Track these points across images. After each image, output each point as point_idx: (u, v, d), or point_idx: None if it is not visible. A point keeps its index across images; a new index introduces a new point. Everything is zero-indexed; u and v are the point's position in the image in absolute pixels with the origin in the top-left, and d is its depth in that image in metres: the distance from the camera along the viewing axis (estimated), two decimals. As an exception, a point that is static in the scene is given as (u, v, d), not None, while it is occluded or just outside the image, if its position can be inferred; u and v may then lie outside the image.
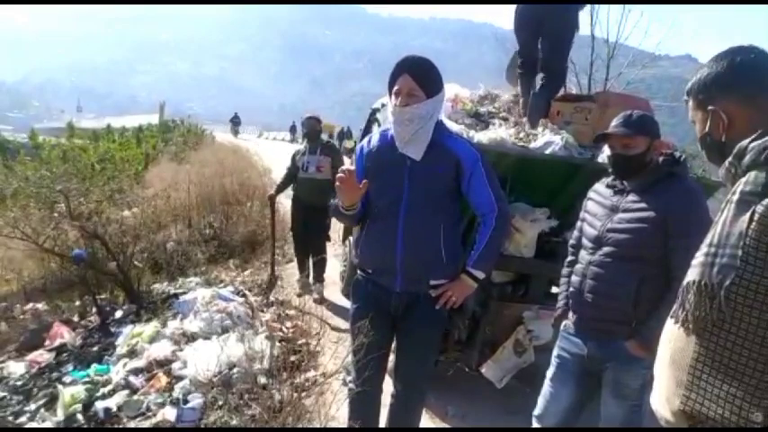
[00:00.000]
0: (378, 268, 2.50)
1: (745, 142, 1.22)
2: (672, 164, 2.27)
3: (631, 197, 2.25)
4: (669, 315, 1.32)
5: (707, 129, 1.34)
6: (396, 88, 2.32)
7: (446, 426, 3.53)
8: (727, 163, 1.26)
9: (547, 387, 2.46)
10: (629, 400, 2.17)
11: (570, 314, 2.40)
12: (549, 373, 2.47)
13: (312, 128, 5.70)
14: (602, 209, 2.32)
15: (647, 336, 2.00)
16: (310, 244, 5.77)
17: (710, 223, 1.31)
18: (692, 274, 1.24)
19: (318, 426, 2.94)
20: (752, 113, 1.28)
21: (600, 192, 2.39)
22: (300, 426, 2.96)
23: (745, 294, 1.14)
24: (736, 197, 1.19)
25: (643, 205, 2.19)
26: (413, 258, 2.38)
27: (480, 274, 2.44)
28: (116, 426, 3.42)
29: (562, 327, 2.46)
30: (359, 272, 2.62)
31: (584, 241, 2.36)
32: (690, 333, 1.24)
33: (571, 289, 2.40)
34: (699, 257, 1.24)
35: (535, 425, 2.50)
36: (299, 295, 5.75)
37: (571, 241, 2.55)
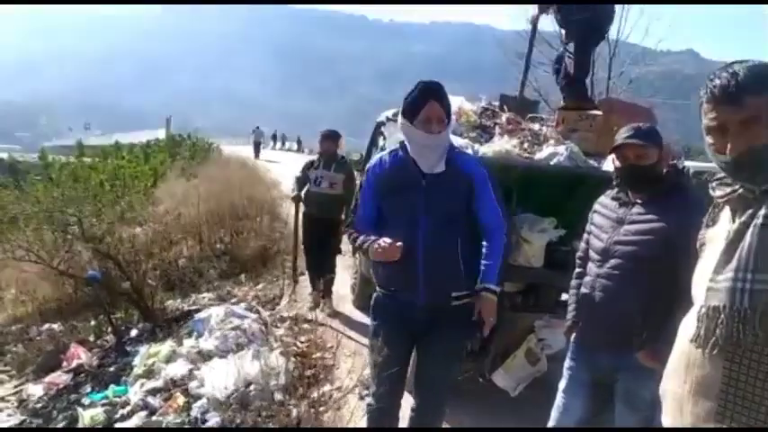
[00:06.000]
0: (400, 286, 2.53)
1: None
2: (676, 175, 2.30)
3: (637, 209, 2.27)
4: (688, 339, 1.29)
5: None
6: (424, 116, 2.36)
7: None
8: (740, 187, 1.26)
9: (559, 399, 2.48)
10: (641, 410, 2.19)
11: (580, 326, 2.42)
12: (562, 384, 2.50)
13: (328, 149, 5.73)
14: (608, 221, 2.34)
15: (659, 346, 2.01)
16: (323, 263, 5.81)
17: None
18: (718, 299, 1.22)
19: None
20: None
21: (605, 204, 2.42)
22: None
23: None
24: (760, 221, 1.19)
25: (649, 217, 2.21)
26: (434, 274, 2.42)
27: (498, 288, 2.48)
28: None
29: (572, 338, 2.48)
30: (379, 289, 2.64)
31: (592, 254, 2.39)
32: (716, 359, 1.23)
33: (580, 301, 2.43)
34: (723, 282, 1.22)
35: (550, 436, 2.52)
36: (312, 309, 5.79)
37: (579, 253, 2.58)
